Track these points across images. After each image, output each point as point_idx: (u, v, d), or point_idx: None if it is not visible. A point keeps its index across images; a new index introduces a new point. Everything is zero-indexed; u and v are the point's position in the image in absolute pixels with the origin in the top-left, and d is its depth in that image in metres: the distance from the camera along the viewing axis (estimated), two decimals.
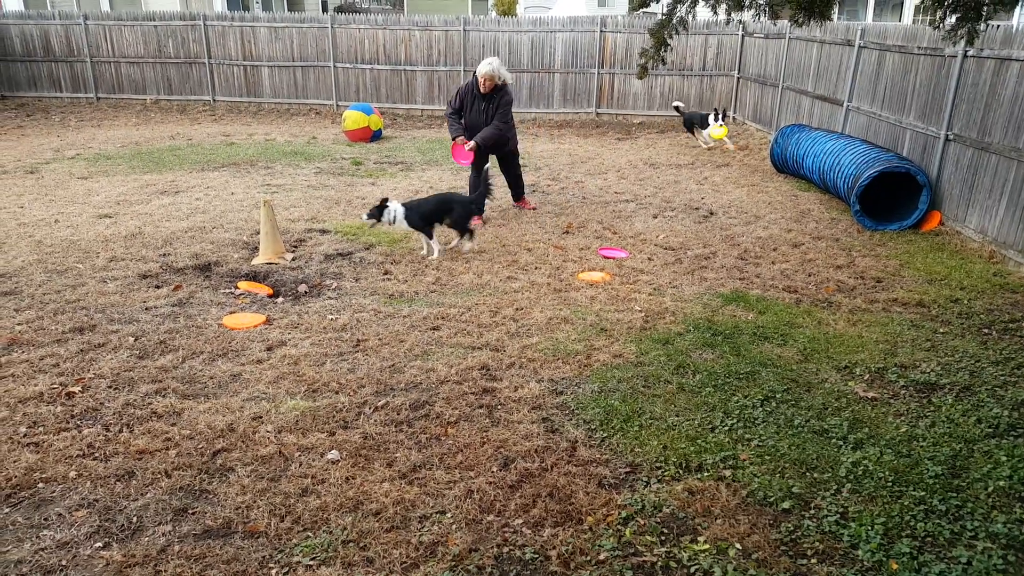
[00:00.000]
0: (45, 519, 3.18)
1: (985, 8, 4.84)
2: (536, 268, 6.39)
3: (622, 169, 10.77)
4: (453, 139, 7.86)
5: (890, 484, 3.44)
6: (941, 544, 3.08)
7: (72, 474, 3.47)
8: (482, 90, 7.57)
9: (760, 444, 3.75)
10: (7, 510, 3.24)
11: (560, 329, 5.13)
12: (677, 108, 13.43)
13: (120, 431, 3.83)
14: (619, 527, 3.15)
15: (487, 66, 7.47)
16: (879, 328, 5.21)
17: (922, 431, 3.90)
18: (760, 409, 4.09)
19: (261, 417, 3.96)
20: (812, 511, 3.27)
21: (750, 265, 6.55)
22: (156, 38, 16.70)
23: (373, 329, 5.09)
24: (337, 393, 4.23)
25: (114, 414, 3.99)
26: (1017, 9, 5.84)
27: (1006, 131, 6.72)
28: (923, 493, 3.38)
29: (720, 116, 12.12)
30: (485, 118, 7.66)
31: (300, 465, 3.55)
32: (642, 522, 3.18)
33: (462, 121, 7.83)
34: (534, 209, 8.32)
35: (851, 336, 5.07)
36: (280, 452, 3.65)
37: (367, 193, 9.02)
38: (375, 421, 3.94)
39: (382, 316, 5.32)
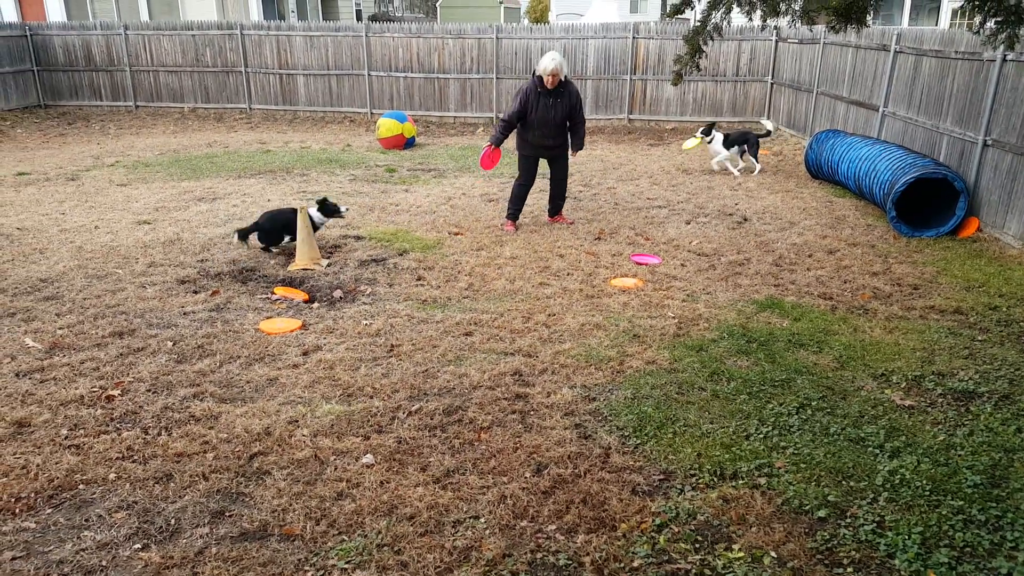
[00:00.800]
0: (86, 520, 3.25)
1: None
2: (568, 274, 6.39)
3: (654, 175, 10.73)
4: (490, 145, 7.56)
5: (928, 493, 3.38)
6: (980, 555, 3.02)
7: (112, 476, 3.55)
8: (548, 86, 7.31)
9: (795, 452, 3.71)
10: (49, 511, 3.32)
11: (593, 335, 5.13)
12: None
13: (159, 434, 3.91)
14: (653, 534, 3.14)
15: (552, 61, 7.21)
16: (916, 335, 5.13)
17: (960, 440, 3.83)
18: (795, 417, 4.05)
19: (297, 421, 4.01)
20: (848, 520, 3.22)
21: (785, 272, 6.48)
22: (194, 47, 17.05)
23: (407, 334, 5.14)
24: (371, 398, 4.28)
25: (153, 417, 4.07)
26: None
27: None
28: (962, 502, 3.32)
29: (707, 131, 11.04)
30: (554, 114, 7.40)
31: (335, 469, 3.59)
32: (676, 529, 3.17)
33: (526, 122, 7.50)
34: (572, 223, 8.11)
35: (888, 343, 4.99)
36: (316, 456, 3.70)
37: (401, 200, 9.11)
38: (409, 426, 3.98)
39: (415, 322, 5.36)
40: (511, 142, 7.99)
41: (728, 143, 10.85)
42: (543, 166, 7.99)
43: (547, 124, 7.46)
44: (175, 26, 17.34)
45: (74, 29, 17.61)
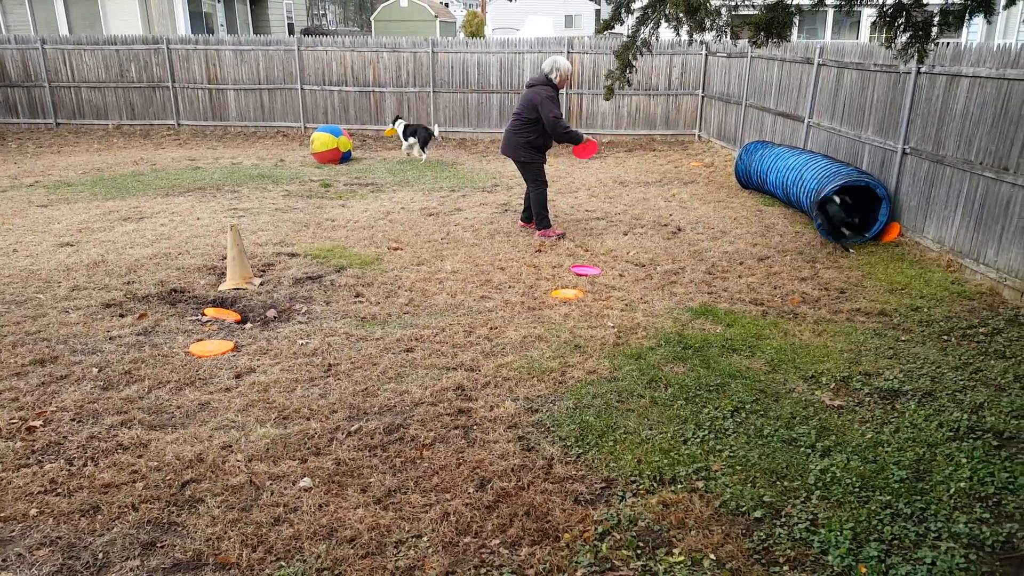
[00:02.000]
0: (4, 560, 3.08)
1: (934, 28, 5.01)
2: (510, 287, 6.41)
3: (592, 187, 10.87)
4: (583, 139, 8.13)
5: (857, 489, 3.50)
6: (907, 546, 3.14)
7: (33, 511, 3.37)
8: (560, 87, 7.83)
9: (731, 455, 3.79)
10: None
11: (534, 347, 5.14)
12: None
13: (84, 465, 3.74)
14: (596, 542, 3.15)
15: (562, 60, 7.76)
16: (843, 337, 5.32)
17: (887, 437, 3.98)
18: (731, 420, 4.14)
19: (231, 446, 3.90)
20: (783, 519, 3.31)
21: (717, 279, 6.64)
22: (118, 62, 16.52)
23: (345, 353, 5.06)
24: (308, 419, 4.19)
25: (78, 447, 3.90)
26: (965, 27, 6.06)
27: (958, 144, 6.93)
28: (889, 497, 3.44)
29: (393, 121, 13.81)
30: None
31: (272, 494, 3.50)
32: (618, 536, 3.19)
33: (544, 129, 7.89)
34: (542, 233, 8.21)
35: (817, 346, 5.16)
36: (251, 481, 3.59)
37: (337, 215, 8.99)
38: (348, 446, 3.91)
39: (354, 339, 5.28)
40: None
41: (407, 133, 13.56)
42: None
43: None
44: (97, 40, 16.78)
45: None
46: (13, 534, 3.24)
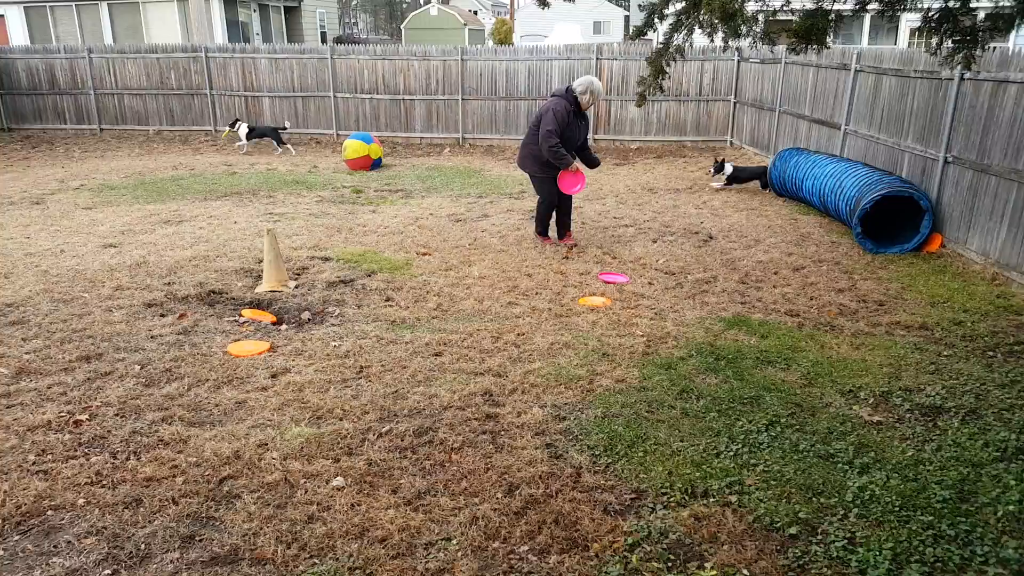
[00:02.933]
0: (54, 546, 3.18)
1: (981, 34, 4.92)
2: (537, 293, 6.41)
3: (620, 194, 10.84)
4: (566, 168, 7.63)
5: (897, 509, 3.42)
6: (951, 570, 3.05)
7: (81, 501, 3.47)
8: (584, 108, 7.59)
9: (766, 469, 3.75)
10: (17, 537, 3.24)
11: (562, 354, 5.14)
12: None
13: (127, 458, 3.83)
14: (625, 553, 3.14)
15: (597, 83, 7.54)
16: (883, 351, 5.22)
17: (928, 455, 3.89)
18: (765, 434, 4.09)
19: (266, 444, 3.96)
20: (819, 536, 3.25)
21: (751, 289, 6.57)
22: (159, 70, 16.91)
23: (376, 355, 5.11)
24: (341, 420, 4.24)
25: (121, 442, 3.99)
26: (1013, 33, 5.94)
27: (1005, 153, 6.79)
28: (931, 518, 3.36)
29: (231, 124, 14.81)
30: (578, 135, 7.69)
31: (306, 492, 3.55)
32: (648, 548, 3.17)
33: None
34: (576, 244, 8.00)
35: (855, 360, 5.08)
36: (286, 479, 3.65)
37: (368, 221, 9.09)
38: (379, 447, 3.94)
39: (384, 343, 5.33)
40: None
41: (252, 135, 14.71)
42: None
43: (571, 144, 7.66)
44: (139, 49, 17.20)
45: (37, 53, 17.38)
46: (63, 522, 3.35)
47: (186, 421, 4.22)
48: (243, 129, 14.63)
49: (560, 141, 7.48)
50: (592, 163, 8.07)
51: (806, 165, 9.63)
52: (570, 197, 8.05)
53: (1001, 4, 4.82)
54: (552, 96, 7.71)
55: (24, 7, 23.25)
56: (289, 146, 15.00)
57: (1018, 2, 4.55)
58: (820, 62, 10.91)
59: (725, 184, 11.15)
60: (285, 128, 15.30)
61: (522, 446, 3.96)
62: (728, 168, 11.15)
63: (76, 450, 3.92)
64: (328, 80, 16.28)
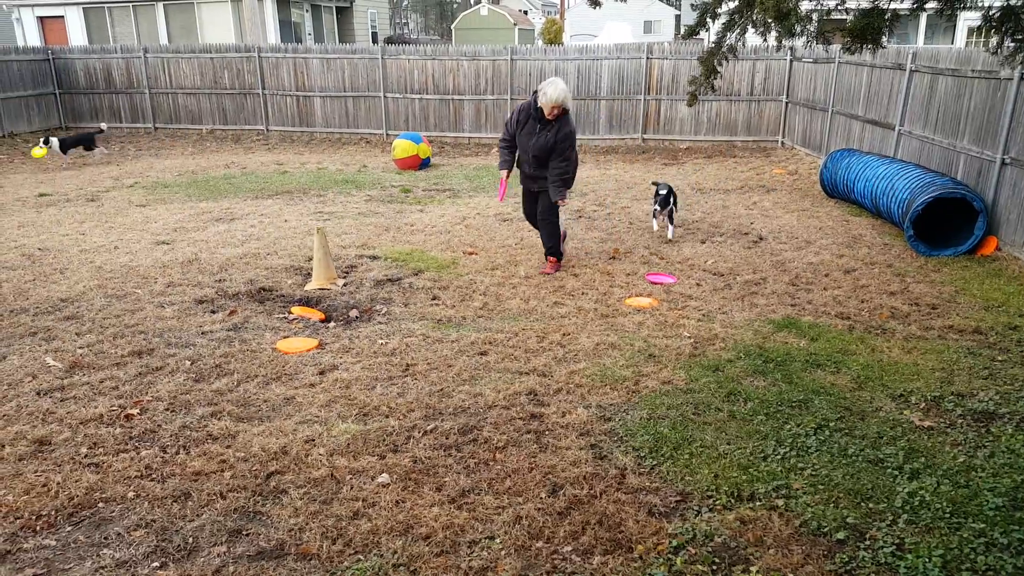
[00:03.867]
0: (105, 538, 3.28)
1: None
2: (583, 294, 6.40)
3: None
4: (501, 170, 7.06)
5: (948, 515, 3.34)
6: None
7: (131, 495, 3.57)
8: (548, 116, 6.54)
9: (813, 473, 3.68)
10: (69, 528, 3.35)
11: (607, 355, 5.12)
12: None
13: (177, 453, 3.94)
14: (670, 556, 3.11)
15: (559, 92, 6.43)
16: (935, 355, 5.08)
17: (981, 461, 3.78)
18: (813, 438, 4.01)
19: (313, 440, 4.03)
20: (867, 542, 3.18)
21: (801, 291, 6.45)
22: (212, 70, 17.32)
23: (422, 354, 5.15)
24: (387, 417, 4.29)
25: (171, 436, 4.10)
26: None
27: None
28: (983, 525, 3.27)
29: (43, 141, 13.79)
30: (535, 141, 6.63)
31: (351, 488, 3.60)
32: (693, 551, 3.14)
33: (515, 148, 6.95)
34: (552, 273, 7.01)
35: (906, 364, 4.95)
36: (332, 475, 3.71)
37: (416, 220, 9.18)
38: (424, 445, 3.98)
39: (430, 341, 5.38)
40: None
41: (65, 146, 13.76)
42: None
43: (525, 151, 6.79)
44: (194, 49, 17.66)
45: (95, 53, 17.98)
46: (113, 514, 3.45)
47: (235, 416, 4.32)
48: (55, 143, 13.74)
49: (507, 140, 6.93)
50: (550, 182, 6.77)
51: (858, 167, 9.41)
52: (543, 219, 7.05)
53: None
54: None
55: (83, 8, 24.05)
56: (102, 147, 14.45)
57: None
58: (874, 62, 10.65)
59: None
60: (102, 131, 15.13)
61: (566, 446, 3.96)
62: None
63: (127, 444, 4.04)
64: (379, 80, 16.47)
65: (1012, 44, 4.84)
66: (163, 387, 4.67)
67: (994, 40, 4.92)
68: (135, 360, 5.07)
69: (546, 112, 6.55)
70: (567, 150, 6.70)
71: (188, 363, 5.02)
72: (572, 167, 6.88)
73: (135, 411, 4.36)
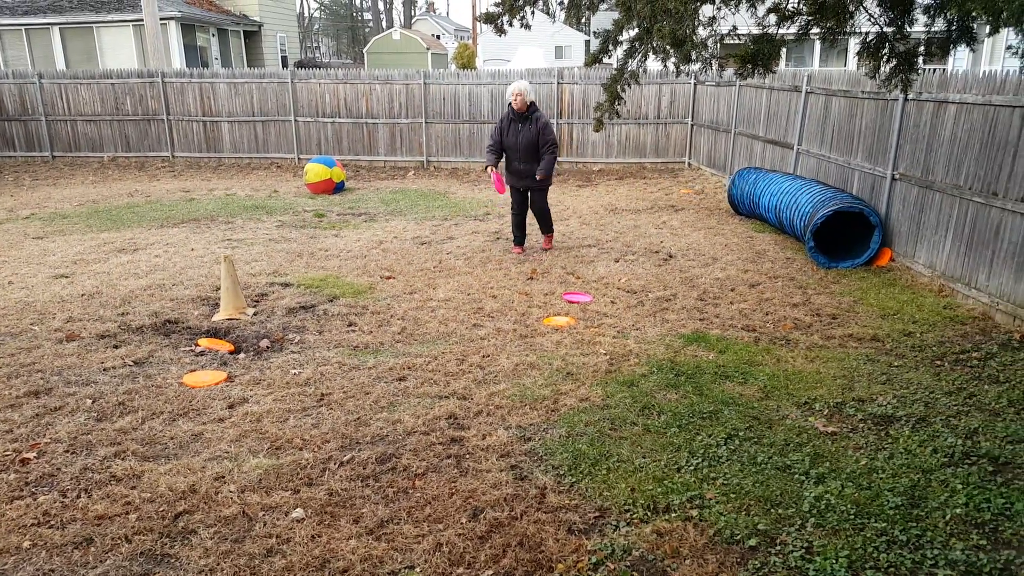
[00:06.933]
0: None
1: (918, 58, 5.11)
2: (502, 315, 6.43)
3: (583, 215, 10.95)
4: (486, 168, 8.50)
5: (852, 517, 3.50)
6: (903, 574, 3.13)
7: (26, 544, 3.35)
8: (515, 106, 8.10)
9: (725, 482, 3.79)
10: None
11: (527, 375, 5.15)
12: None
13: (78, 496, 3.72)
14: (590, 573, 3.14)
15: (519, 84, 8.12)
16: (836, 363, 5.34)
17: (881, 463, 3.99)
18: (724, 447, 4.14)
19: (223, 477, 3.88)
20: (778, 547, 3.30)
21: (709, 306, 6.67)
22: (113, 95, 16.66)
23: (337, 382, 5.06)
24: (301, 449, 4.18)
25: (71, 479, 3.88)
26: (951, 56, 6.19)
27: (947, 170, 7.03)
28: (885, 524, 3.44)
29: None
30: (521, 139, 8.14)
31: (264, 525, 3.48)
32: (612, 567, 3.18)
33: (501, 154, 8.39)
34: (548, 249, 8.76)
35: (809, 372, 5.18)
36: (244, 512, 3.58)
37: (331, 245, 9.03)
38: (340, 477, 3.90)
39: (347, 369, 5.29)
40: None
41: None
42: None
43: (515, 149, 8.24)
44: (93, 74, 16.94)
45: None
46: (6, 567, 3.22)
47: (140, 456, 4.12)
48: None
49: (493, 144, 8.34)
50: (540, 168, 8.24)
51: (764, 183, 9.86)
52: (539, 208, 8.59)
53: (934, 30, 5.03)
54: None
55: None
56: None
57: (950, 29, 4.74)
58: (773, 84, 11.20)
59: None
60: None
61: (487, 469, 3.96)
62: None
63: (23, 490, 3.80)
64: (289, 104, 16.21)
65: (889, 68, 5.18)
66: (62, 428, 4.41)
67: (869, 64, 5.26)
68: (31, 400, 4.79)
69: (515, 104, 8.11)
70: (550, 136, 8.18)
71: (89, 402, 4.76)
72: (556, 157, 8.41)
73: (31, 455, 4.10)
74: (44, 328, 6.10)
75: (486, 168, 8.46)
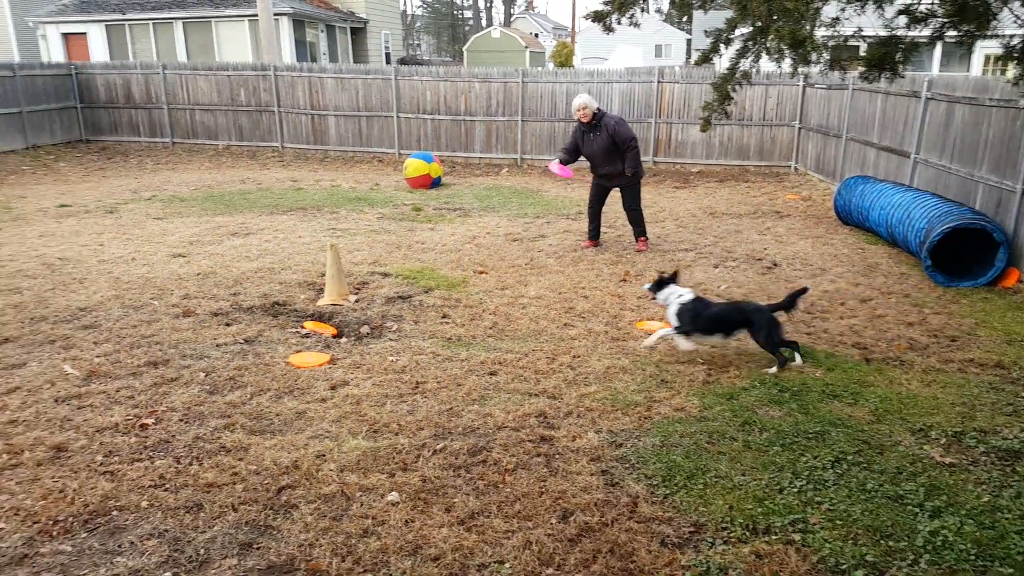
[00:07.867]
0: (119, 546, 3.28)
1: None
2: (593, 316, 6.37)
3: (680, 218, 10.73)
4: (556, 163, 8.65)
5: (973, 557, 3.25)
6: None
7: (144, 504, 3.57)
8: (582, 120, 8.36)
9: (831, 508, 3.61)
10: (84, 535, 3.35)
11: (619, 379, 5.08)
12: None
13: (190, 463, 3.93)
14: None
15: (578, 100, 8.37)
16: (955, 389, 5.01)
17: (1006, 502, 3.69)
18: (830, 471, 3.94)
19: (324, 455, 4.00)
20: None
21: (817, 319, 6.39)
22: (229, 87, 17.52)
23: (432, 372, 5.13)
24: (397, 435, 4.26)
25: (185, 447, 4.09)
26: None
27: None
28: (1011, 570, 3.18)
29: None
30: (595, 147, 8.40)
31: (361, 505, 3.57)
32: None
33: (574, 158, 8.68)
34: (643, 251, 8.76)
35: (925, 397, 4.88)
36: (342, 491, 3.68)
37: (427, 238, 9.19)
38: (433, 464, 3.95)
39: (440, 359, 5.35)
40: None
41: None
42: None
43: (594, 156, 8.51)
44: (211, 66, 17.86)
45: (115, 68, 18.23)
46: (127, 522, 3.44)
47: (248, 429, 4.30)
48: None
49: (567, 147, 8.68)
50: (626, 167, 8.48)
51: (872, 194, 9.37)
52: (629, 207, 8.85)
53: None
54: None
55: (105, 25, 24.40)
56: None
57: None
58: (889, 89, 10.64)
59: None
60: None
61: (577, 471, 3.91)
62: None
63: (142, 453, 4.04)
64: (392, 100, 16.60)
65: None
66: (177, 398, 4.66)
67: (1013, 71, 4.90)
68: (151, 370, 5.08)
69: (582, 119, 8.36)
70: (625, 133, 8.35)
71: (202, 375, 5.01)
72: (639, 151, 8.61)
73: (150, 421, 4.36)
74: (163, 303, 6.47)
75: (555, 170, 8.68)
